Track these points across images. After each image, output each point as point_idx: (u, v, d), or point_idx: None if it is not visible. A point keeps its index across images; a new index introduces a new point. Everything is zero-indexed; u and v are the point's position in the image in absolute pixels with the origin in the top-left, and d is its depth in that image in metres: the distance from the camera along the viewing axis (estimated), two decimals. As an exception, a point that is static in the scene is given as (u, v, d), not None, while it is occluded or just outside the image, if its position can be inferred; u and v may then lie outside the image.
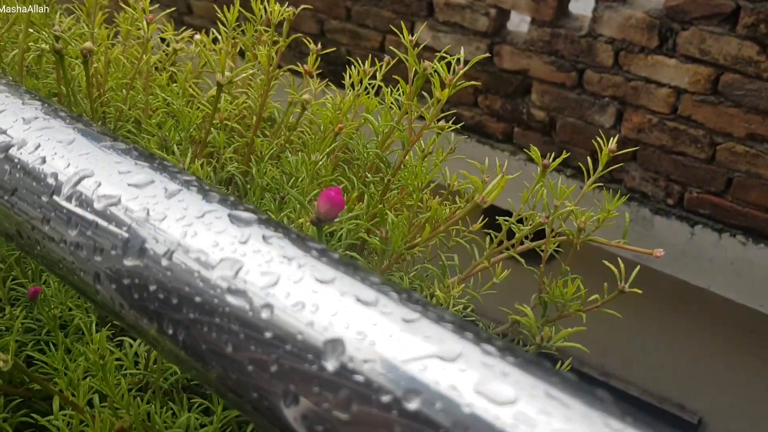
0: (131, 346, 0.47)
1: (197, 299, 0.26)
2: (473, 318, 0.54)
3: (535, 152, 0.50)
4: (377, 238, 0.45)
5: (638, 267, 0.54)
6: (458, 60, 0.50)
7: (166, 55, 0.75)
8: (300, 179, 0.52)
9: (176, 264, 0.26)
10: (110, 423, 0.37)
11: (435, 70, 0.50)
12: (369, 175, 0.50)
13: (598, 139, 0.54)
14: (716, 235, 2.22)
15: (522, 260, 0.52)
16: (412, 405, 0.21)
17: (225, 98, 0.64)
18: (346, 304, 0.24)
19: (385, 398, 0.21)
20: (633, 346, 2.84)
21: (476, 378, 0.21)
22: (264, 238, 0.27)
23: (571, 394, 0.21)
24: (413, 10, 2.38)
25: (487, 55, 0.58)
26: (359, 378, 0.22)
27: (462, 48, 0.54)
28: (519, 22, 2.37)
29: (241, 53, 0.77)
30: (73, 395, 0.40)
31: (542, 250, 0.54)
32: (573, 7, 2.19)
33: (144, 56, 0.69)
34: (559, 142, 2.33)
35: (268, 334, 0.24)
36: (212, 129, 0.61)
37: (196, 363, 0.26)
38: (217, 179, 0.52)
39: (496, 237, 0.53)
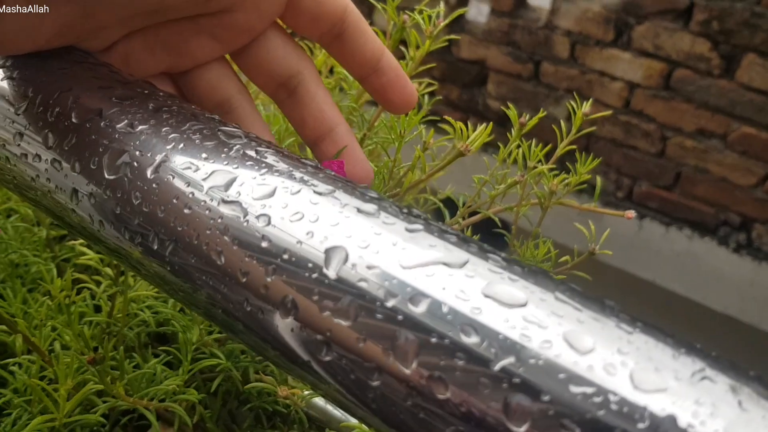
0: (93, 296, 0.45)
1: (186, 211, 0.24)
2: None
3: (512, 110, 0.50)
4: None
5: (608, 230, 0.54)
6: (438, 14, 0.49)
7: None
8: (275, 129, 0.50)
9: (162, 176, 0.25)
10: (74, 366, 0.35)
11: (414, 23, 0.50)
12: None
13: (571, 102, 0.54)
14: (663, 228, 2.28)
15: (497, 219, 0.52)
16: (419, 308, 0.20)
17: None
18: (347, 215, 0.23)
19: (391, 302, 0.21)
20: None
21: (484, 283, 0.21)
22: (257, 152, 0.26)
23: (580, 300, 0.21)
24: (373, -4, 2.37)
25: (465, 9, 0.59)
26: (363, 284, 0.21)
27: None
28: (476, 14, 2.38)
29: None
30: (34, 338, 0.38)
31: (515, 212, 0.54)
32: (531, -1, 2.22)
33: None
34: (514, 133, 2.35)
35: (264, 244, 0.23)
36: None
37: (184, 279, 0.25)
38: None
39: (467, 198, 0.53)
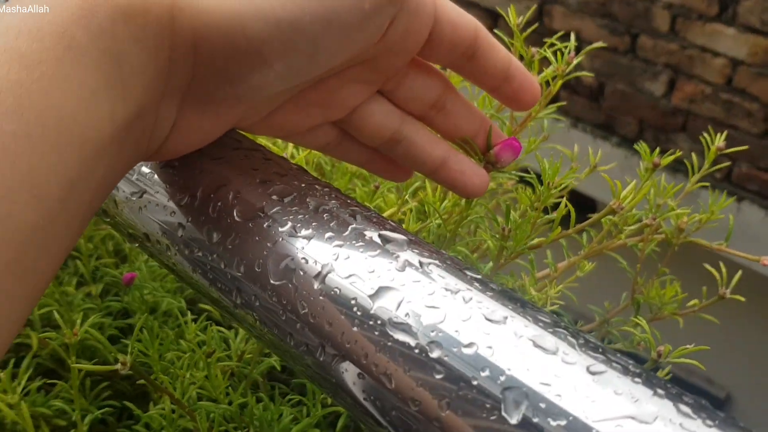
0: (221, 334, 0.46)
1: (355, 329, 0.24)
2: (561, 314, 0.52)
3: (644, 148, 0.48)
4: (497, 236, 0.43)
5: (740, 271, 0.52)
6: (569, 50, 0.47)
7: None
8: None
9: (329, 287, 0.25)
10: (210, 416, 0.37)
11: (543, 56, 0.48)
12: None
13: (705, 135, 0.52)
14: (763, 211, 2.17)
15: (622, 260, 0.51)
16: (611, 472, 0.20)
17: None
18: (523, 349, 0.22)
19: (579, 461, 0.20)
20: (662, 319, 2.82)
21: (679, 445, 0.20)
22: (420, 264, 0.25)
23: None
24: (464, -33, 2.32)
25: (603, 44, 0.56)
26: (546, 435, 0.21)
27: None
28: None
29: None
30: (174, 389, 0.40)
31: (639, 249, 0.52)
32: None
33: None
34: (606, 108, 2.27)
35: (437, 376, 0.22)
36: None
37: (350, 394, 0.25)
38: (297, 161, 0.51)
39: (594, 236, 0.51)
